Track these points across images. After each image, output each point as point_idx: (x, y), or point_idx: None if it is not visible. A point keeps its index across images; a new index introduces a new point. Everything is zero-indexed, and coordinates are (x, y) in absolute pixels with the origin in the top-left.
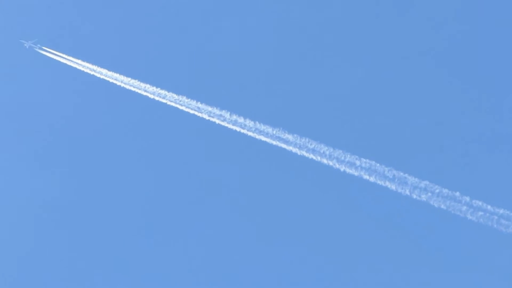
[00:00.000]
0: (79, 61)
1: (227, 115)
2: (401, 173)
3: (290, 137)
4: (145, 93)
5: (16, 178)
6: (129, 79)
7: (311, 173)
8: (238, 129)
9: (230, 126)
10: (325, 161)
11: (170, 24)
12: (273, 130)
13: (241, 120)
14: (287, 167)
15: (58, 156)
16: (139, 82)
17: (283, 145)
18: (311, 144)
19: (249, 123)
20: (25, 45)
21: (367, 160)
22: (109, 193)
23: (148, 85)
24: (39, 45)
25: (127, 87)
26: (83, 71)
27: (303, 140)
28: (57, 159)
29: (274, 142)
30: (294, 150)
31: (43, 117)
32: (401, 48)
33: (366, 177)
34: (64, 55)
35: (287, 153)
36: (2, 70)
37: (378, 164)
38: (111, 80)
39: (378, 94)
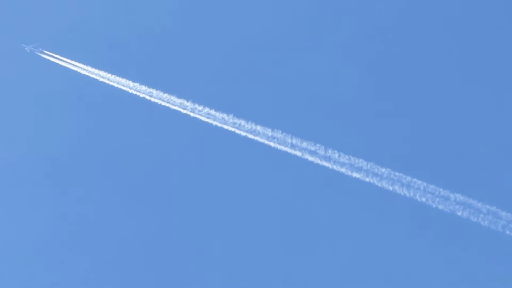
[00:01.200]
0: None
1: (321, 150)
2: (494, 208)
3: (383, 171)
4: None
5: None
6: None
7: (400, 206)
8: (330, 165)
9: (323, 163)
10: (419, 197)
11: (178, 27)
12: (367, 164)
13: (335, 155)
14: (378, 203)
15: (61, 162)
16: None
17: (375, 181)
18: (405, 179)
19: (343, 158)
20: (26, 49)
21: (459, 195)
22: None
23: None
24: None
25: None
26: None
27: (397, 175)
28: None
29: (367, 179)
30: (387, 186)
31: (44, 121)
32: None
33: (459, 213)
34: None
35: (379, 189)
36: (3, 74)
37: (471, 199)
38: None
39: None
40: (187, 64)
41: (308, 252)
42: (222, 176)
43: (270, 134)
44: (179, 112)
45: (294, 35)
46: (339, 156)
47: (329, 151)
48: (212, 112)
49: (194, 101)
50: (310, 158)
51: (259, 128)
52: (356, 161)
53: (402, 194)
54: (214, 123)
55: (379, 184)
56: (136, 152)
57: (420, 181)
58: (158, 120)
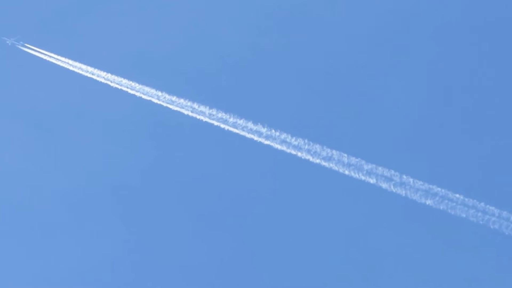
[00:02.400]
0: (62, 58)
1: (396, 177)
2: None
3: (457, 196)
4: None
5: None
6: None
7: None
8: (404, 192)
9: (397, 189)
10: (492, 224)
11: (163, 22)
12: (441, 190)
13: (410, 181)
14: (452, 230)
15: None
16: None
17: (448, 208)
18: (479, 205)
19: (417, 184)
20: (8, 42)
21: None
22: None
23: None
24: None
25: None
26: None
27: (471, 201)
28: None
29: (441, 207)
30: (460, 213)
31: (25, 115)
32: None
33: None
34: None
35: (452, 216)
36: None
37: None
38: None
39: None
40: (262, 90)
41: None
42: (297, 204)
43: (346, 160)
44: (251, 139)
45: (369, 61)
46: (414, 182)
47: (404, 177)
48: (288, 138)
49: (270, 127)
50: (384, 186)
51: (334, 153)
52: (430, 187)
53: (475, 221)
54: (288, 150)
55: (452, 212)
56: (210, 180)
57: (493, 207)
58: (230, 146)
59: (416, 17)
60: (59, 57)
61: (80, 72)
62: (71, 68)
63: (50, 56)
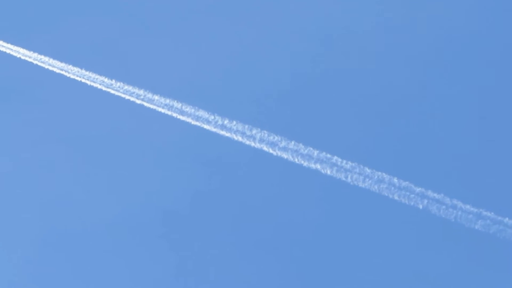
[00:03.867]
0: (111, 81)
1: (443, 200)
2: None
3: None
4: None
5: None
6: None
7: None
8: (452, 215)
9: (445, 214)
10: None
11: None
12: (491, 213)
13: (446, 202)
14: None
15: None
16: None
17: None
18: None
19: (466, 206)
20: None
21: None
22: None
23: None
24: None
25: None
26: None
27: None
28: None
29: (491, 231)
30: None
31: (73, 140)
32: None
33: None
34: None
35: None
36: None
37: None
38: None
39: None
40: (313, 115)
41: None
42: (346, 228)
43: (397, 183)
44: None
45: (420, 88)
46: (464, 206)
47: (455, 201)
48: (339, 161)
49: (321, 150)
50: (433, 210)
51: (385, 176)
52: (479, 211)
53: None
54: (338, 175)
55: (500, 235)
56: (259, 206)
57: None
58: (280, 171)
59: (474, 46)
60: (106, 80)
61: (131, 98)
62: (122, 95)
63: (102, 82)
